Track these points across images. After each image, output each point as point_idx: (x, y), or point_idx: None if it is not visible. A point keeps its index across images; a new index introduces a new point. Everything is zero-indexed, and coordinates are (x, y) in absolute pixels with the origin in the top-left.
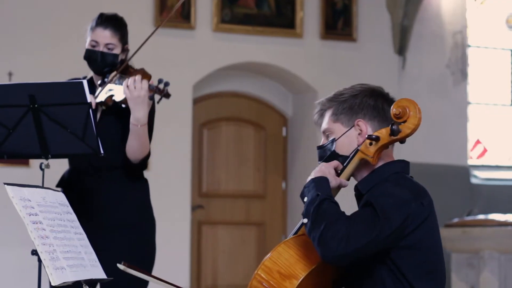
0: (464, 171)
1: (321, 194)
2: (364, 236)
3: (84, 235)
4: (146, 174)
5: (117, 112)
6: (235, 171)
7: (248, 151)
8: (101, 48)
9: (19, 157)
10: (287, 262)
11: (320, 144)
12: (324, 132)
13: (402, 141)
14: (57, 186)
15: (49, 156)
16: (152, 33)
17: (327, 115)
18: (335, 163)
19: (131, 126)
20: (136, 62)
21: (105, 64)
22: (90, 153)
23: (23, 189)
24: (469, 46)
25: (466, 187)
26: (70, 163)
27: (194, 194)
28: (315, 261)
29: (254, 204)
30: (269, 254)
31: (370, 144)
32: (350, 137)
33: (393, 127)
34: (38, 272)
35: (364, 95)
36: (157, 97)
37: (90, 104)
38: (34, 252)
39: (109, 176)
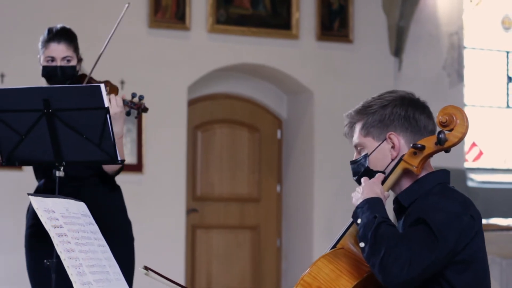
0: (460, 174)
1: (378, 216)
2: (426, 259)
3: (107, 247)
4: (140, 177)
5: None
6: (229, 174)
7: (243, 154)
8: (58, 63)
9: (32, 164)
10: (328, 277)
11: (353, 159)
12: (355, 146)
13: (447, 150)
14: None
15: (63, 163)
16: (108, 41)
17: (357, 128)
18: (381, 177)
19: None
20: (130, 63)
21: (65, 78)
22: (106, 160)
23: (46, 200)
24: (465, 47)
25: (462, 190)
26: (42, 174)
27: (188, 197)
28: (357, 276)
29: (249, 208)
30: (308, 269)
31: (415, 153)
32: (383, 152)
33: (440, 135)
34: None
35: (394, 105)
36: (133, 111)
37: (107, 109)
38: (48, 263)
39: (86, 184)
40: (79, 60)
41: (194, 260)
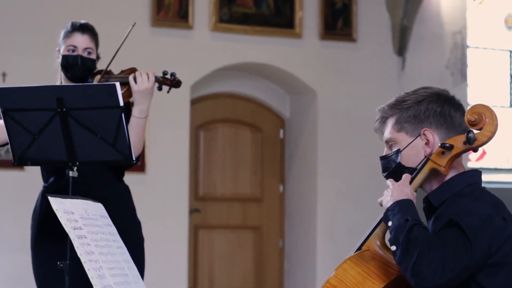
0: None
1: (410, 219)
2: (459, 262)
3: (125, 249)
4: (143, 177)
5: None
6: (231, 174)
7: (245, 154)
8: (80, 53)
9: (44, 164)
10: (355, 280)
11: (384, 154)
12: (387, 142)
13: (475, 149)
14: (43, 195)
15: (77, 163)
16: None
17: (390, 123)
18: (409, 178)
19: (133, 120)
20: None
21: (85, 69)
22: (121, 160)
23: (65, 201)
24: (468, 46)
25: None
26: (54, 172)
27: (191, 197)
28: (384, 278)
29: (251, 208)
30: (333, 272)
31: (443, 153)
32: (416, 148)
33: (469, 135)
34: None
35: (429, 101)
36: (165, 88)
37: (122, 107)
38: (61, 264)
39: (96, 182)
40: (97, 57)
41: (197, 261)
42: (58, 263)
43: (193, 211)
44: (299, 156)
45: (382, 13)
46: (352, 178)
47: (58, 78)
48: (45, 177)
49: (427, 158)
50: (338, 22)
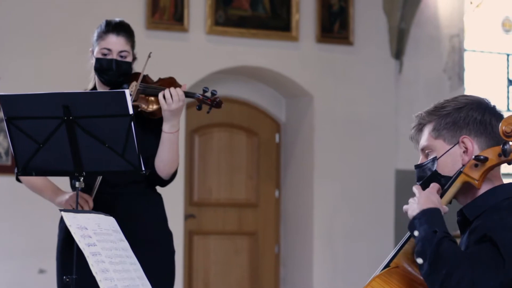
0: None
1: (439, 231)
2: (490, 281)
3: (138, 265)
4: None
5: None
6: (227, 179)
7: (240, 158)
8: (114, 56)
9: (49, 174)
10: None
11: (419, 162)
12: (423, 149)
13: (510, 162)
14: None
15: (83, 173)
16: None
17: (427, 131)
18: (436, 187)
19: (164, 136)
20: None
21: (120, 73)
22: (129, 170)
23: (78, 216)
24: (466, 50)
25: None
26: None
27: (185, 203)
28: None
29: (247, 213)
30: None
31: (476, 166)
32: (453, 156)
33: (505, 147)
34: None
35: (469, 108)
36: (205, 106)
37: (132, 116)
38: (67, 279)
39: (126, 192)
40: (134, 58)
41: (192, 267)
42: (64, 277)
43: (188, 216)
44: (295, 161)
45: (379, 16)
46: (349, 183)
47: (92, 79)
48: (72, 186)
49: (459, 171)
50: (335, 25)
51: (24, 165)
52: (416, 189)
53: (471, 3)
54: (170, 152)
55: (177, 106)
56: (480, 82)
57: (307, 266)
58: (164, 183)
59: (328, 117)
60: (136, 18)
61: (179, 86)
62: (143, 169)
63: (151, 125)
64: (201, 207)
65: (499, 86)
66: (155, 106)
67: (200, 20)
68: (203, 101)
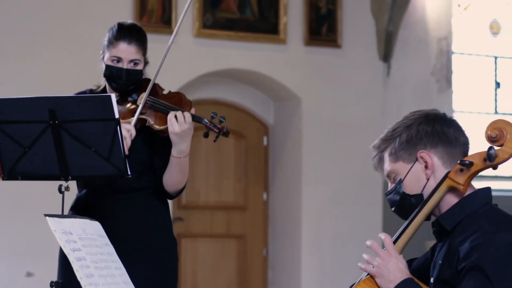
0: None
1: None
2: None
3: (124, 270)
4: None
5: (141, 132)
6: (215, 181)
7: (228, 161)
8: (125, 65)
9: (36, 179)
10: None
11: (388, 190)
12: (388, 176)
13: (495, 167)
14: (73, 208)
15: (69, 177)
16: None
17: (386, 157)
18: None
19: (172, 159)
20: None
21: (130, 83)
22: (115, 174)
23: (63, 221)
24: (453, 52)
25: None
26: (85, 185)
27: (173, 205)
28: None
29: (235, 216)
30: None
31: (461, 170)
32: (416, 173)
33: (490, 151)
34: None
35: (418, 123)
36: (212, 134)
37: (118, 120)
38: (53, 284)
39: (130, 199)
40: (146, 63)
41: (180, 270)
42: (51, 281)
43: (176, 219)
44: (284, 164)
45: (367, 19)
46: (337, 185)
47: (102, 83)
48: (78, 188)
49: (445, 176)
50: (322, 27)
51: (10, 169)
52: (373, 245)
53: (459, 5)
54: (178, 174)
55: (182, 129)
56: (468, 85)
57: (295, 269)
58: (171, 197)
59: (316, 120)
60: (123, 20)
61: (188, 102)
62: (129, 173)
63: (160, 137)
64: (189, 210)
65: (487, 89)
66: (162, 126)
67: (188, 23)
68: (210, 128)
